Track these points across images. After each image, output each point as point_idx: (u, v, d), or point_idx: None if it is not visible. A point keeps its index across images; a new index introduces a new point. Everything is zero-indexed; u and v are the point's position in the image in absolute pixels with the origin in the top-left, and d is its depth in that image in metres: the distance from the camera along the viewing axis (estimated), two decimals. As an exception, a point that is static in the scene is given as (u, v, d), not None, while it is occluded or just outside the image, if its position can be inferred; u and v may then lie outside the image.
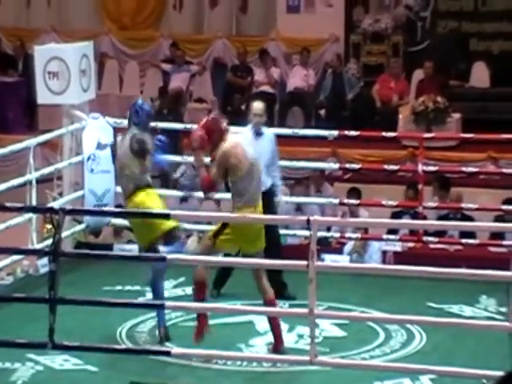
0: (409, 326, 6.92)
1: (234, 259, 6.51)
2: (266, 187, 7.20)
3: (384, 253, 8.71)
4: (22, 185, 7.96)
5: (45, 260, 7.43)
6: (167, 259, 5.97)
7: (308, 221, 5.66)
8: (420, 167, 8.36)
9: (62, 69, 8.57)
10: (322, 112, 12.05)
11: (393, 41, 12.72)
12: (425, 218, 8.87)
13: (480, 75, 12.42)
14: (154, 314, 6.90)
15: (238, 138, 6.41)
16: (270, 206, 7.15)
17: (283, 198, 7.80)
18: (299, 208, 9.67)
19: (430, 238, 8.50)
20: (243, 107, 11.48)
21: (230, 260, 6.54)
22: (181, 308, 6.44)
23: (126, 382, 5.64)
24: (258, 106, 7.47)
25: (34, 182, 7.98)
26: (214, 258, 6.17)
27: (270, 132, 7.61)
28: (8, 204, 6.26)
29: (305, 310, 5.75)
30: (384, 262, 8.57)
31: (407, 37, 12.79)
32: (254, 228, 6.29)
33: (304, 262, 5.62)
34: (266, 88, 12.19)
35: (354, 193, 9.47)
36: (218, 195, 9.46)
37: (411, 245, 8.76)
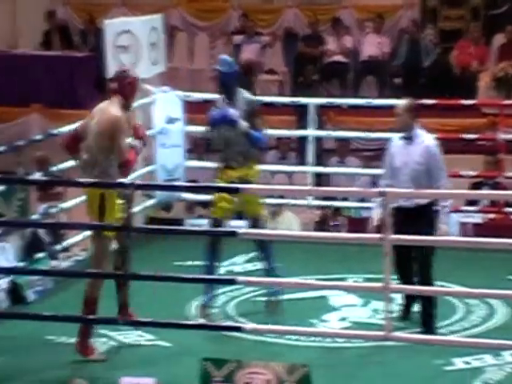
0: (490, 300, 6.73)
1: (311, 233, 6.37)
2: (415, 204, 6.13)
3: (463, 225, 8.49)
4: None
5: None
6: (237, 233, 5.87)
7: (381, 193, 5.51)
8: (500, 135, 8.10)
9: (132, 43, 8.54)
10: (397, 80, 11.77)
11: (472, 4, 12.33)
12: (506, 188, 8.60)
13: None
14: (225, 288, 6.83)
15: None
16: (419, 227, 5.93)
17: (445, 225, 6.18)
18: (375, 182, 9.42)
19: (512, 209, 8.25)
20: (315, 78, 11.27)
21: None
22: (252, 283, 6.33)
23: (199, 358, 5.56)
24: (399, 103, 6.36)
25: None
26: (278, 232, 6.01)
27: (427, 138, 6.26)
28: (80, 179, 6.24)
29: (380, 284, 5.60)
30: (463, 234, 8.36)
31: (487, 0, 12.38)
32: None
33: (378, 235, 5.47)
34: (339, 57, 11.95)
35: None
36: (290, 168, 9.41)
37: (491, 216, 8.51)
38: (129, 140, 6.15)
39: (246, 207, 6.61)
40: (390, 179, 6.27)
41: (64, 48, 12.23)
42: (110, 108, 6.04)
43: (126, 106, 6.07)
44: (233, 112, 6.51)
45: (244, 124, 6.51)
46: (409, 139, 6.25)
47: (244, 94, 6.62)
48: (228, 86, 6.56)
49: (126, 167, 6.07)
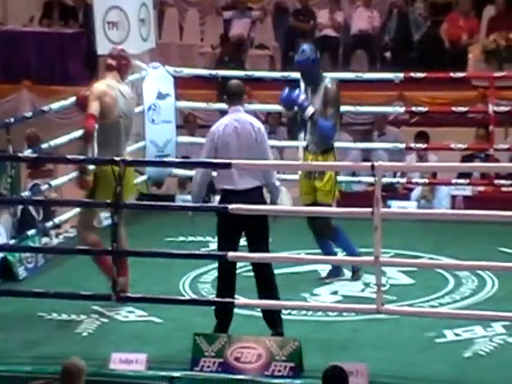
0: (480, 272, 6.75)
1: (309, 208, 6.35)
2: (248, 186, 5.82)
3: (453, 198, 8.50)
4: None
5: (107, 212, 7.41)
6: (229, 209, 5.85)
7: (372, 166, 5.50)
8: (491, 108, 8.09)
9: (121, 18, 8.50)
10: (388, 54, 11.72)
11: (462, -23, 12.23)
12: (497, 160, 8.60)
13: (556, 9, 11.84)
14: (215, 264, 6.83)
15: (114, 84, 6.31)
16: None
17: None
18: (366, 159, 9.39)
19: (502, 181, 8.24)
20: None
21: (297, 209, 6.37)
22: (244, 259, 6.33)
23: (190, 333, 5.60)
24: None
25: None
26: (269, 207, 5.97)
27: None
28: (69, 156, 6.24)
29: (370, 258, 5.61)
30: (453, 207, 8.37)
31: (477, -29, 12.29)
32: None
33: (369, 210, 5.48)
34: (329, 32, 11.90)
35: (423, 136, 9.21)
36: (280, 143, 9.38)
37: (482, 189, 8.52)
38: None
39: (319, 195, 6.65)
40: None
41: (62, 23, 12.17)
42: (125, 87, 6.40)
43: (119, 80, 6.38)
44: (299, 95, 6.50)
45: (310, 110, 6.50)
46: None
47: (327, 82, 6.56)
48: (307, 74, 6.55)
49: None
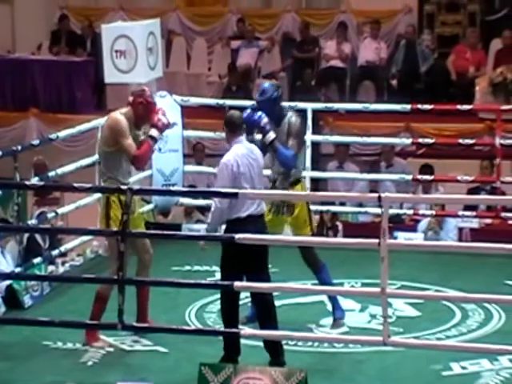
0: (487, 305, 6.73)
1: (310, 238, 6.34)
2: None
3: (460, 230, 8.49)
4: (90, 165, 7.94)
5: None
6: (235, 239, 5.84)
7: (379, 198, 5.50)
8: (498, 141, 8.09)
9: (129, 47, 8.51)
10: (395, 86, 11.78)
11: (469, 10, 12.36)
12: (503, 193, 8.60)
13: None
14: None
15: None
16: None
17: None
18: (374, 190, 9.40)
19: (509, 214, 8.23)
20: (313, 82, 11.28)
21: (306, 239, 6.35)
22: (250, 288, 6.31)
23: (196, 363, 5.56)
24: None
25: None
26: (289, 238, 5.98)
27: (227, 155, 5.90)
28: (76, 184, 6.24)
29: (377, 289, 5.59)
30: (460, 239, 8.36)
31: (484, 5, 12.40)
32: None
33: (375, 240, 5.47)
34: (336, 62, 11.96)
35: (427, 169, 9.23)
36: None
37: (489, 221, 8.52)
38: (140, 132, 6.35)
39: (293, 229, 6.55)
40: None
41: (70, 51, 12.27)
42: (112, 114, 6.31)
43: (136, 124, 6.31)
44: (261, 117, 6.26)
45: (272, 135, 6.30)
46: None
47: (290, 116, 6.43)
48: (269, 112, 6.36)
49: (137, 163, 6.28)
